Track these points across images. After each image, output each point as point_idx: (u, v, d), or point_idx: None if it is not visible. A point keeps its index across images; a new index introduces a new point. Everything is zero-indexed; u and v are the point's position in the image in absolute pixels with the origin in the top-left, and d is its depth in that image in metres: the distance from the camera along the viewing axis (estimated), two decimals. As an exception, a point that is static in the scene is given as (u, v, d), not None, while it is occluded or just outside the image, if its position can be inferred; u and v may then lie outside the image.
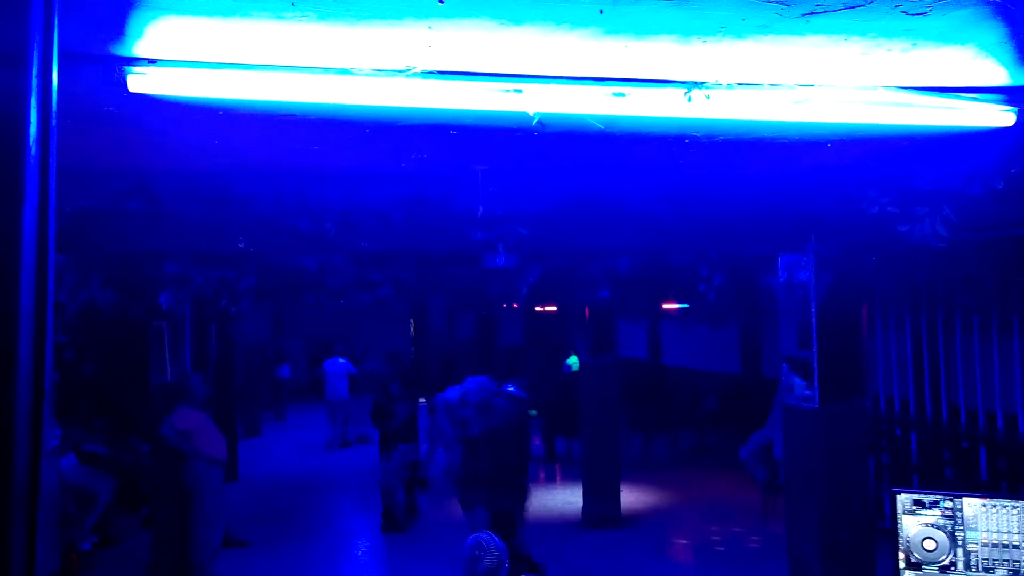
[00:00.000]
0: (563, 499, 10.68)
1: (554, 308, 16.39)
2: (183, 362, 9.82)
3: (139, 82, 2.56)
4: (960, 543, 3.69)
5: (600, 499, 9.48)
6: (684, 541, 9.04)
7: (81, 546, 7.31)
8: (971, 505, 3.70)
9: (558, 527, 9.40)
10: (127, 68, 2.53)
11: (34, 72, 1.13)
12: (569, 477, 11.81)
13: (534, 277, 6.70)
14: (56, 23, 1.17)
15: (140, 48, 2.45)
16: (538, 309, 16.39)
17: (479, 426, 6.44)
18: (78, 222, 4.30)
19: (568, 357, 14.93)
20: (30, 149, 1.11)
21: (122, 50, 2.46)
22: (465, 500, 6.53)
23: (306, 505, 10.69)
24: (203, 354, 10.72)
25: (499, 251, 4.91)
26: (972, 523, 3.68)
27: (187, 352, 10.04)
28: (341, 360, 15.31)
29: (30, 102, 1.12)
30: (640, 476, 11.51)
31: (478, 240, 4.90)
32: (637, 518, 9.69)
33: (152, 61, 2.53)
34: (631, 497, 10.24)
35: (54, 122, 1.16)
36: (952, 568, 3.68)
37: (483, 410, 6.49)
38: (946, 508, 3.73)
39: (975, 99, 3.04)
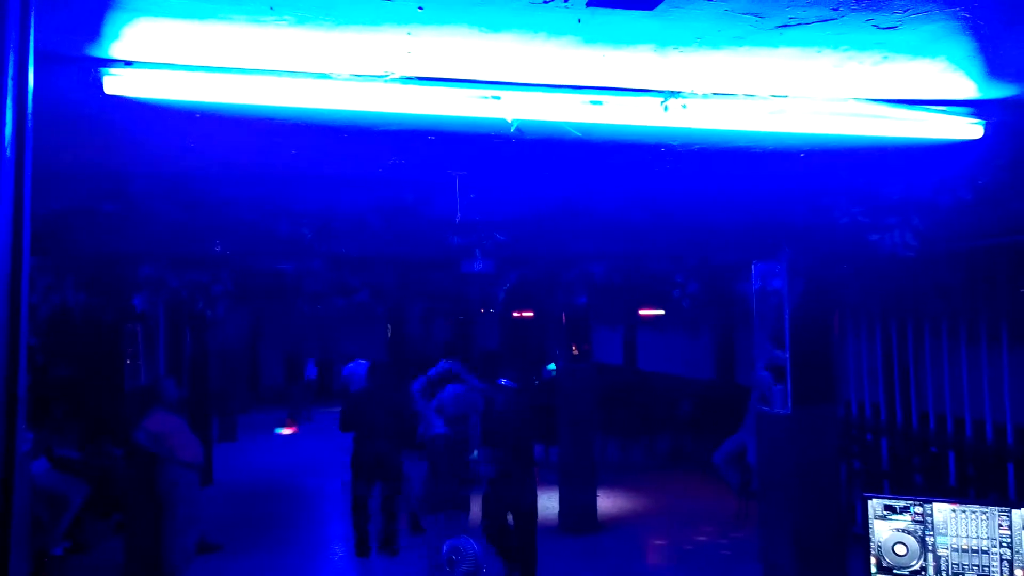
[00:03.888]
0: (540, 503, 10.66)
1: (531, 314, 16.41)
2: (157, 365, 9.71)
3: (115, 83, 2.55)
4: (930, 548, 3.74)
5: (576, 503, 9.50)
6: (659, 545, 9.08)
7: (53, 551, 7.21)
8: (941, 510, 3.76)
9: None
10: (103, 69, 2.51)
11: (9, 72, 1.12)
12: (546, 481, 11.81)
13: (511, 283, 6.72)
14: (32, 23, 1.17)
15: (116, 50, 2.44)
16: (515, 315, 16.40)
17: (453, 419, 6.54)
18: (52, 224, 4.25)
19: (549, 363, 14.95)
20: (5, 150, 1.11)
21: (98, 51, 2.45)
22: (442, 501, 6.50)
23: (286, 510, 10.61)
24: (177, 357, 10.62)
25: (476, 256, 4.92)
26: (942, 528, 3.73)
27: (161, 355, 9.93)
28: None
29: (5, 102, 1.11)
30: (616, 481, 11.55)
31: (455, 245, 4.90)
32: (613, 522, 9.71)
33: (128, 63, 2.52)
34: (607, 502, 10.27)
35: (29, 123, 1.16)
36: (923, 573, 3.73)
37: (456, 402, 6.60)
38: (916, 513, 3.78)
39: (944, 112, 3.10)
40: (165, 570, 7.03)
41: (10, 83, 1.11)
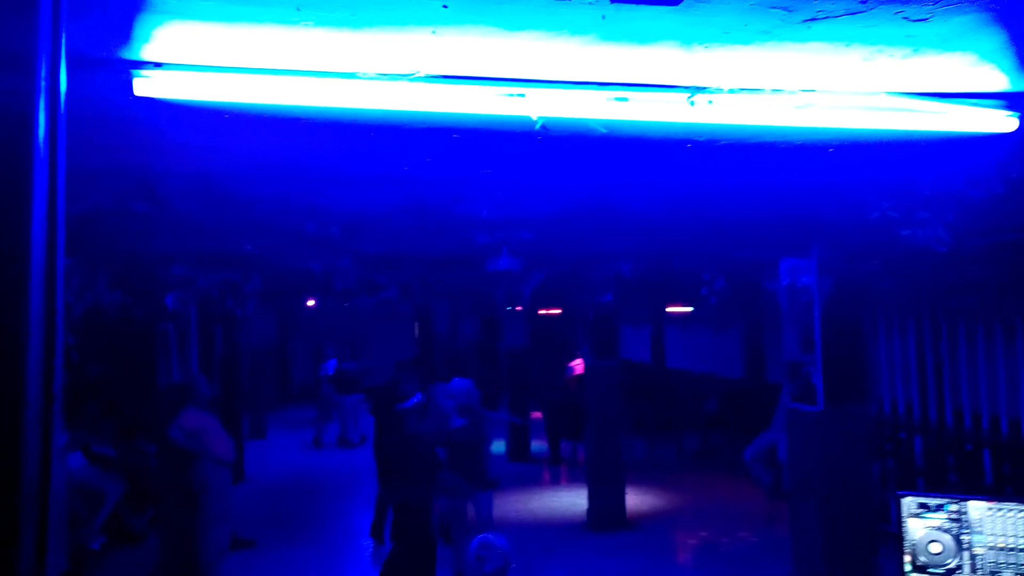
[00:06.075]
0: (568, 501, 10.68)
1: (558, 311, 16.40)
2: (189, 363, 9.83)
3: (145, 85, 2.58)
4: (966, 546, 3.69)
5: (605, 501, 9.49)
6: (689, 543, 9.03)
7: (90, 546, 7.34)
8: (977, 508, 3.70)
9: (563, 529, 9.41)
10: (134, 71, 2.55)
11: (42, 75, 1.15)
12: (574, 479, 11.81)
13: (537, 281, 6.72)
14: (64, 27, 1.19)
15: (147, 52, 2.48)
16: (542, 312, 16.40)
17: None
18: (85, 223, 4.33)
19: (573, 359, 14.95)
20: (39, 150, 1.13)
21: (129, 54, 2.48)
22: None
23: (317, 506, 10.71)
24: (208, 355, 10.75)
25: (503, 255, 4.93)
26: (978, 526, 3.68)
27: (193, 353, 10.06)
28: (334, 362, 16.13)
29: (39, 104, 1.14)
30: (644, 478, 11.51)
31: (482, 244, 4.92)
32: (642, 520, 9.69)
33: (158, 65, 2.55)
34: (635, 499, 10.24)
35: (62, 124, 1.18)
36: (958, 571, 3.68)
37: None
38: (952, 511, 3.73)
39: (977, 104, 3.04)
40: (199, 565, 7.13)
41: (43, 84, 1.13)
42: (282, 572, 7.99)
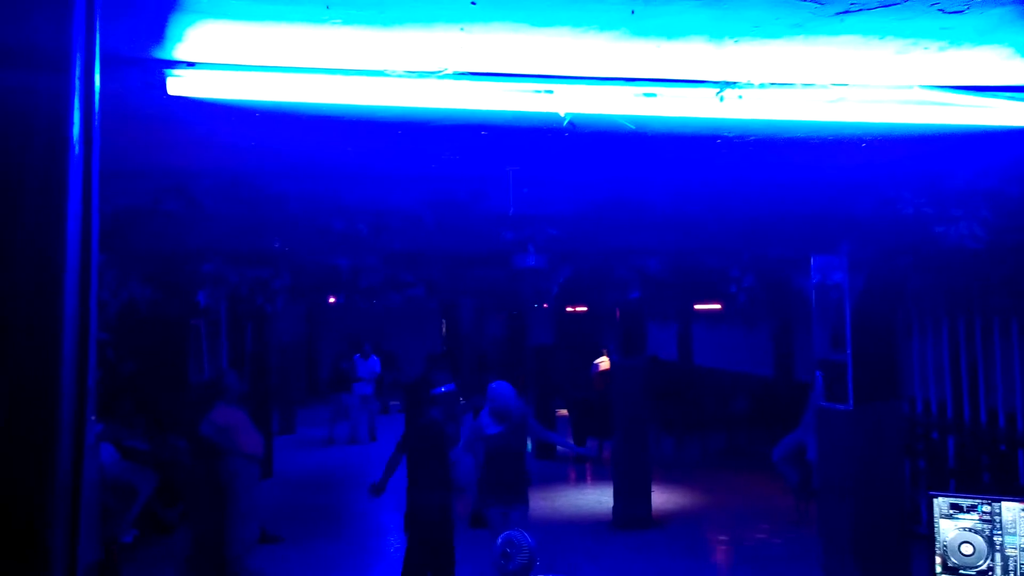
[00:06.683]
0: (594, 499, 10.66)
1: (584, 308, 16.37)
2: (220, 359, 9.94)
3: (178, 84, 2.61)
4: (998, 548, 3.63)
5: (631, 499, 9.46)
6: (715, 543, 8.98)
7: (122, 539, 7.45)
8: (1010, 510, 3.64)
9: (589, 527, 9.39)
10: (167, 71, 2.58)
11: (77, 74, 1.16)
12: (600, 477, 11.78)
13: (564, 277, 6.70)
14: (98, 27, 1.21)
15: (180, 51, 2.50)
16: (568, 309, 16.37)
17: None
18: (119, 221, 4.39)
19: (599, 357, 14.89)
20: (73, 148, 1.14)
21: (162, 53, 2.51)
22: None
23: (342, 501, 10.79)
24: (239, 351, 10.87)
25: (529, 251, 4.93)
26: (1011, 528, 3.62)
27: (224, 349, 10.17)
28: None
29: (73, 103, 1.15)
30: (671, 477, 11.45)
31: (508, 240, 4.92)
32: (668, 519, 9.64)
33: (191, 64, 2.58)
34: (662, 498, 10.19)
35: (96, 123, 1.20)
36: (990, 573, 3.63)
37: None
38: (984, 512, 3.68)
39: (1013, 98, 2.98)
40: (227, 559, 7.21)
41: (77, 84, 1.15)
42: (310, 567, 8.06)
